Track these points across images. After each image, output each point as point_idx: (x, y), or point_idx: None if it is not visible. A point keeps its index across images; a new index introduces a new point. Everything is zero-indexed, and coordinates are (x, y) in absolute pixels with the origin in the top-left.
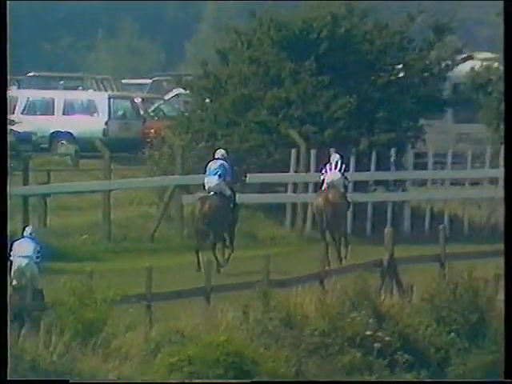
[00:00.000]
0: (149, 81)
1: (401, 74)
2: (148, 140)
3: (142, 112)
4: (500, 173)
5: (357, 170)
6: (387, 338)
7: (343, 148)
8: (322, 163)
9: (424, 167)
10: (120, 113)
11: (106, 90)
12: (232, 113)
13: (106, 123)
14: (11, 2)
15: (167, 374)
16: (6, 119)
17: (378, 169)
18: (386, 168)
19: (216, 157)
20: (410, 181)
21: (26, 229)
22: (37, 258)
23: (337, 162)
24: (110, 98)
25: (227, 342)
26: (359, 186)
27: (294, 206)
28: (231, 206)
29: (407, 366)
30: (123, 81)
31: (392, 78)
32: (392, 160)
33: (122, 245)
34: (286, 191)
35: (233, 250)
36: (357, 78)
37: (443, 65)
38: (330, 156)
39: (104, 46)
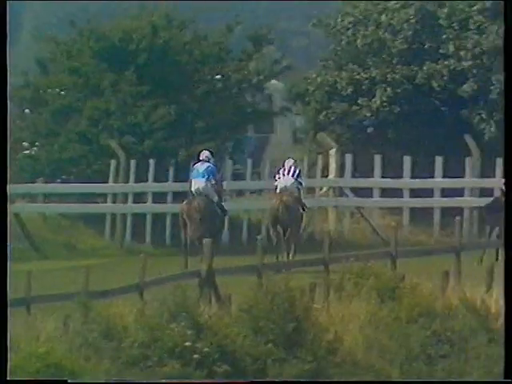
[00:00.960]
0: None
1: (219, 85)
2: None
3: None
4: (321, 182)
5: (176, 180)
6: (206, 349)
7: (163, 159)
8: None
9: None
10: None
11: None
12: (52, 123)
13: None
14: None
15: None
16: (6, 119)
17: None
18: None
19: (201, 158)
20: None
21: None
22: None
23: (290, 167)
24: None
25: (47, 353)
26: (181, 197)
27: (114, 216)
28: (217, 209)
29: (225, 376)
30: None
31: (211, 88)
32: None
33: None
34: (105, 201)
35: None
36: (176, 89)
37: (262, 76)
38: (284, 161)
39: None
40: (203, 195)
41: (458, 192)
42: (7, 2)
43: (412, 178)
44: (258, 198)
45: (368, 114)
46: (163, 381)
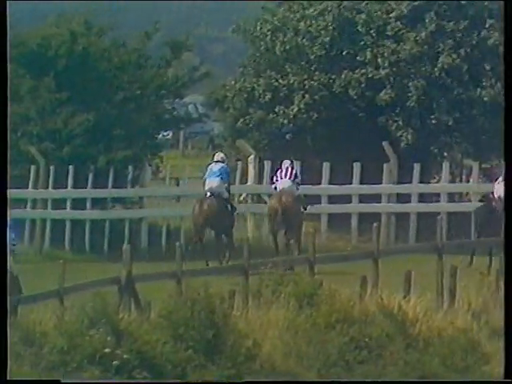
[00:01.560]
0: None
1: (138, 92)
2: None
3: None
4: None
5: (95, 186)
6: (125, 356)
7: (82, 165)
8: (274, 172)
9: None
10: None
11: None
12: None
13: None
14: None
15: None
16: (6, 119)
17: (115, 186)
18: (124, 185)
19: (215, 159)
20: (148, 197)
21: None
22: (13, 245)
23: (287, 169)
24: None
25: None
26: (98, 203)
27: (33, 222)
28: (229, 208)
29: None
30: None
31: (129, 95)
32: (129, 177)
33: None
34: (24, 207)
35: (230, 254)
36: (95, 96)
37: (180, 82)
38: (281, 163)
39: None
40: (216, 193)
41: (376, 198)
42: (7, 2)
43: (330, 184)
44: (177, 204)
45: (286, 121)
46: (163, 381)
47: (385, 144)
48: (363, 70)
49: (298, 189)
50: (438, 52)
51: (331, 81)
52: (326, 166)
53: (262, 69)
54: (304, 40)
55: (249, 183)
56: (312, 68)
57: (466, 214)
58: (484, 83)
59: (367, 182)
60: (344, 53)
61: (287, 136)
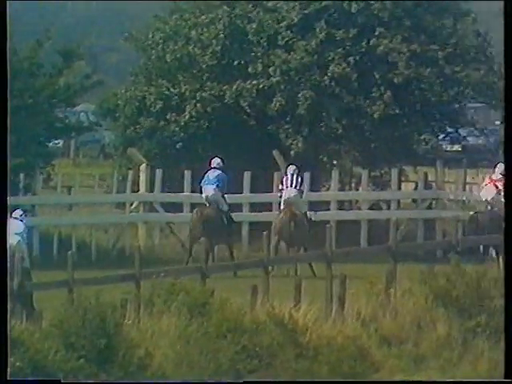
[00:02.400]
0: None
1: (30, 100)
2: None
3: None
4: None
5: None
6: (17, 364)
7: None
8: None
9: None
10: None
11: None
12: None
13: None
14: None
15: None
16: (6, 119)
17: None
18: (16, 193)
19: (213, 166)
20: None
21: (16, 211)
22: (27, 237)
23: (292, 176)
24: None
25: None
26: None
27: None
28: (226, 216)
29: None
30: None
31: (21, 103)
32: (21, 185)
33: None
34: None
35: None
36: None
37: (71, 91)
38: (286, 168)
39: None
40: (212, 202)
41: (267, 206)
42: (7, 1)
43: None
44: (68, 213)
45: (177, 129)
46: (163, 381)
47: (275, 152)
48: (255, 81)
49: (302, 197)
50: (327, 61)
51: (222, 92)
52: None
53: (154, 77)
54: (195, 49)
55: (140, 192)
56: (204, 77)
57: (355, 222)
58: (373, 93)
59: (258, 191)
60: (235, 62)
61: (178, 145)
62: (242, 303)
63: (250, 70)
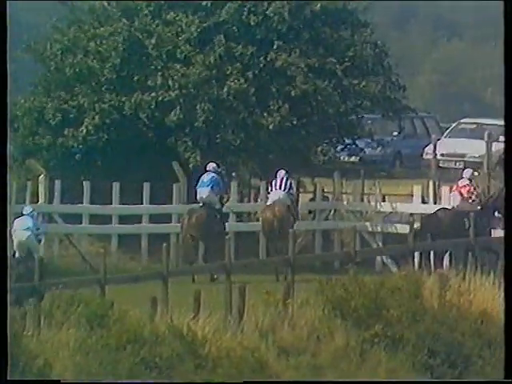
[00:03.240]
0: None
1: None
2: None
3: None
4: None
5: None
6: None
7: None
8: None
9: None
10: None
11: None
12: None
13: None
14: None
15: None
16: (7, 120)
17: None
18: None
19: (207, 169)
20: None
21: (25, 208)
22: (37, 229)
23: (282, 179)
24: None
25: None
26: None
27: None
28: (219, 217)
29: None
30: None
31: None
32: None
33: None
34: None
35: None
36: None
37: None
38: (276, 172)
39: None
40: (206, 203)
41: (167, 218)
42: (7, 1)
43: (121, 203)
44: None
45: (75, 141)
46: (162, 381)
47: (174, 164)
48: (153, 94)
49: (292, 200)
50: (226, 75)
51: (121, 103)
52: (115, 186)
53: (53, 89)
54: (94, 61)
55: (39, 203)
56: (102, 89)
57: (254, 233)
58: (271, 106)
59: (157, 203)
60: (134, 75)
61: (77, 156)
62: (142, 315)
63: (149, 82)
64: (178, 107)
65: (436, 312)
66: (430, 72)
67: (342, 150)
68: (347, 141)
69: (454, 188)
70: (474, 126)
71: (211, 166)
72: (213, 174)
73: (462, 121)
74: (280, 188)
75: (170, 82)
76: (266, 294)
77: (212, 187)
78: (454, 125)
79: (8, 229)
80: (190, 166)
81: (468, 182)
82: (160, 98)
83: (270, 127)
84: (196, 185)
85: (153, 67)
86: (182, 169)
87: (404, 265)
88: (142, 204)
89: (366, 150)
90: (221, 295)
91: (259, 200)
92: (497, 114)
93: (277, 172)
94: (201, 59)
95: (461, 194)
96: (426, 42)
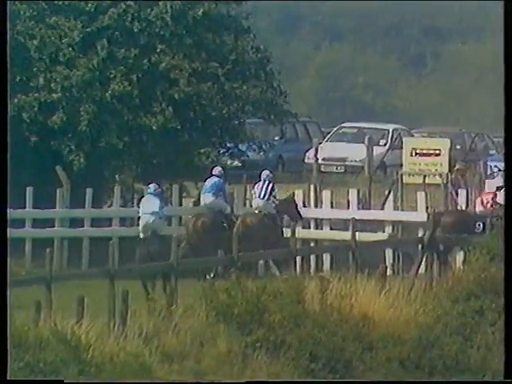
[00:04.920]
0: None
1: None
2: None
3: None
4: None
5: None
6: None
7: None
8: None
9: None
10: None
11: None
12: None
13: None
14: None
15: None
16: (7, 120)
17: None
18: None
19: (213, 173)
20: None
21: (150, 186)
22: (161, 208)
23: (264, 182)
24: None
25: None
26: None
27: None
28: (226, 222)
29: None
30: None
31: None
32: None
33: None
34: None
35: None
36: None
37: None
38: (260, 173)
39: None
40: (210, 209)
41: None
42: (7, 2)
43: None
44: None
45: None
46: (163, 381)
47: (58, 168)
48: (36, 94)
49: (274, 203)
50: (109, 78)
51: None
52: None
53: None
54: None
55: None
56: None
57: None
58: (155, 108)
59: (41, 207)
60: (17, 76)
61: None
62: (26, 319)
63: (31, 83)
64: (61, 109)
65: (317, 316)
66: (312, 77)
67: (225, 153)
68: (229, 145)
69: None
70: (355, 130)
71: (217, 170)
72: (216, 179)
73: (343, 125)
74: (259, 196)
75: (53, 85)
76: (151, 299)
77: (214, 193)
78: (335, 129)
79: (8, 229)
80: (74, 169)
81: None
82: (43, 99)
83: (154, 128)
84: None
85: (35, 69)
86: (65, 173)
87: (286, 269)
88: (25, 208)
89: (248, 153)
90: (105, 300)
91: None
92: (378, 118)
93: (261, 172)
94: (84, 62)
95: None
96: (308, 47)
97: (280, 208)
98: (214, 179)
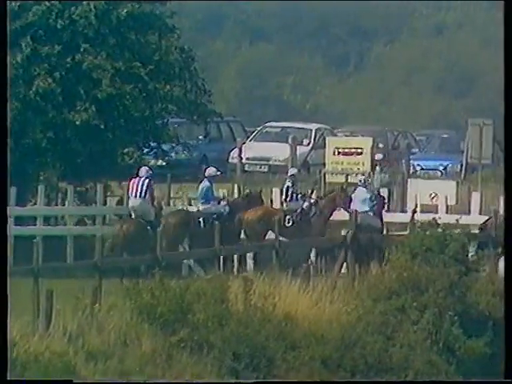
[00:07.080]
0: None
1: None
2: None
3: None
4: None
5: None
6: None
7: None
8: None
9: None
10: None
11: None
12: None
13: None
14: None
15: None
16: (6, 120)
17: None
18: None
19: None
20: None
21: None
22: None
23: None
24: None
25: None
26: None
27: None
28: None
29: None
30: None
31: None
32: None
33: None
34: None
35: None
36: None
37: None
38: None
39: None
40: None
41: None
42: (7, 1)
43: None
44: None
45: None
46: (163, 381)
47: None
48: None
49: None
50: (33, 75)
51: None
52: None
53: None
54: None
55: None
56: None
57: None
58: (78, 107)
59: None
60: None
61: None
62: None
63: None
64: None
65: (241, 316)
66: (234, 76)
67: (148, 153)
68: (153, 144)
69: None
70: (279, 129)
71: (209, 171)
72: (205, 184)
73: (266, 124)
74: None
75: None
76: (75, 298)
77: (205, 199)
78: (258, 129)
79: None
80: None
81: None
82: None
83: (77, 123)
84: None
85: None
86: None
87: (210, 268)
88: None
89: (171, 153)
90: (29, 299)
91: (66, 204)
92: (301, 117)
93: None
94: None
95: None
96: (231, 46)
97: (242, 204)
98: (203, 183)
